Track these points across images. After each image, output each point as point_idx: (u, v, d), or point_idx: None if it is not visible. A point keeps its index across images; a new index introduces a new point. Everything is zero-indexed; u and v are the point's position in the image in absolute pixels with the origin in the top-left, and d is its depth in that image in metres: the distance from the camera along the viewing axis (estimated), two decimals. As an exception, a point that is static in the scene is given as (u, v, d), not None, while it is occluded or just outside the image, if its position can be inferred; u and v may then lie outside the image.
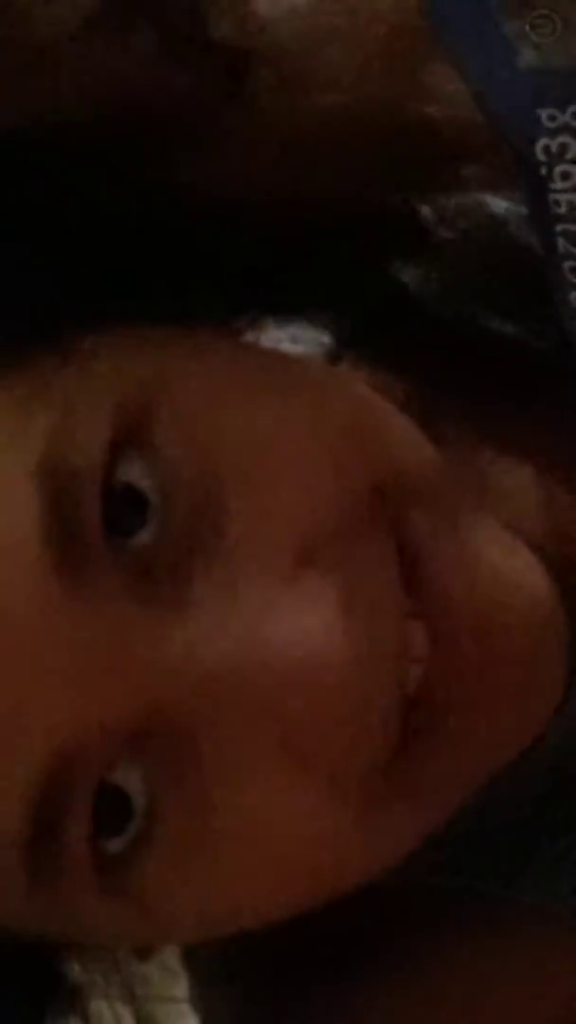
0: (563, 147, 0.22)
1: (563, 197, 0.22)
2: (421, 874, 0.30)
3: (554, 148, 0.22)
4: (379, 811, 0.26)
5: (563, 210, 0.22)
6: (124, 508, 0.24)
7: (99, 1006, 0.31)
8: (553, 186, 0.22)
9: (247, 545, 0.24)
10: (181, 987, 0.35)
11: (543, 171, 0.22)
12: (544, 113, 0.21)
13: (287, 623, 0.23)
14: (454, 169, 0.27)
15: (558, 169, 0.22)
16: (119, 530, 0.24)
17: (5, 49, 0.24)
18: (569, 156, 0.22)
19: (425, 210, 0.30)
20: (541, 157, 0.22)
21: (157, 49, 0.25)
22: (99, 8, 0.24)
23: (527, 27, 0.21)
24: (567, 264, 0.23)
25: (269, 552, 0.24)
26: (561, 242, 0.23)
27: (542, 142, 0.22)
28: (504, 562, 0.26)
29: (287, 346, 0.33)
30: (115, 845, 0.24)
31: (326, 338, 0.33)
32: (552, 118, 0.21)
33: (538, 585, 0.26)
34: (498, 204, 0.28)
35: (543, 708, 0.27)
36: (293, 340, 0.33)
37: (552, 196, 0.22)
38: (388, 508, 0.25)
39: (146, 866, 0.24)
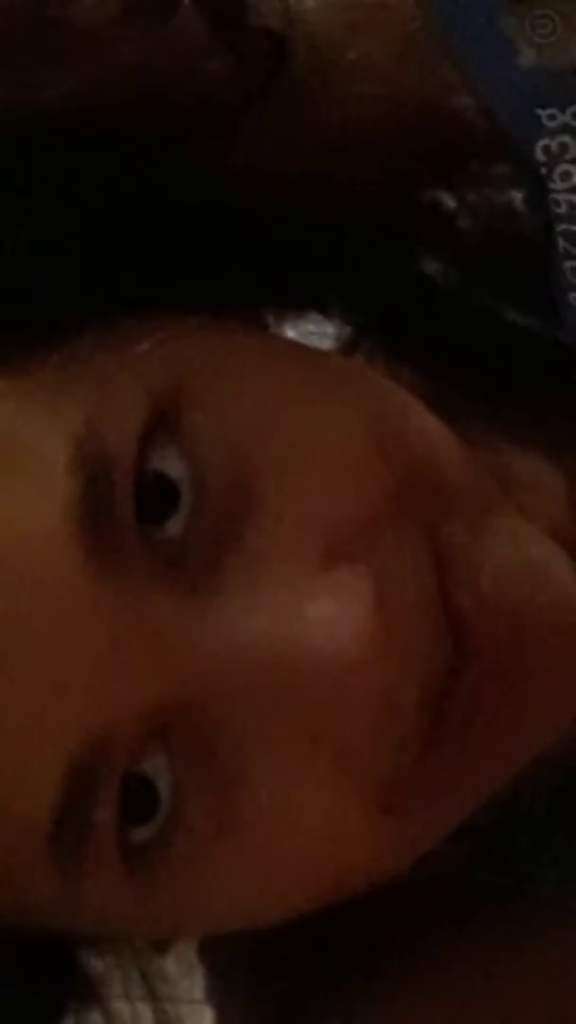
0: (563, 147, 0.22)
1: (563, 197, 0.22)
2: (440, 868, 0.30)
3: (554, 148, 0.22)
4: (405, 807, 0.26)
5: (563, 210, 0.23)
6: (156, 496, 0.24)
7: (119, 1003, 0.32)
8: (553, 186, 0.22)
9: (278, 534, 0.24)
10: (198, 985, 0.36)
11: (543, 171, 0.22)
12: (544, 113, 0.21)
13: (319, 615, 0.23)
14: (483, 163, 0.27)
15: (558, 170, 0.22)
16: (151, 518, 0.23)
17: (47, 31, 0.25)
18: (569, 156, 0.22)
19: (450, 202, 0.30)
20: (541, 157, 0.22)
21: (197, 33, 0.25)
22: None
23: (527, 26, 0.21)
24: (568, 264, 0.23)
25: (300, 542, 0.24)
26: (561, 242, 0.23)
27: (542, 142, 0.22)
28: (533, 559, 0.26)
29: (307, 338, 0.34)
30: (141, 834, 0.23)
31: (341, 330, 0.34)
32: (552, 118, 0.22)
33: (566, 580, 0.26)
34: (521, 200, 0.28)
35: (572, 704, 0.27)
36: (308, 333, 0.34)
37: (552, 196, 0.22)
38: (420, 507, 0.25)
39: (171, 856, 0.24)
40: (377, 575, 0.23)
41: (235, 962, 0.34)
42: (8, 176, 0.24)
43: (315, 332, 0.32)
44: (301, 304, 0.30)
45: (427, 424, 0.26)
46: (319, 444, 0.24)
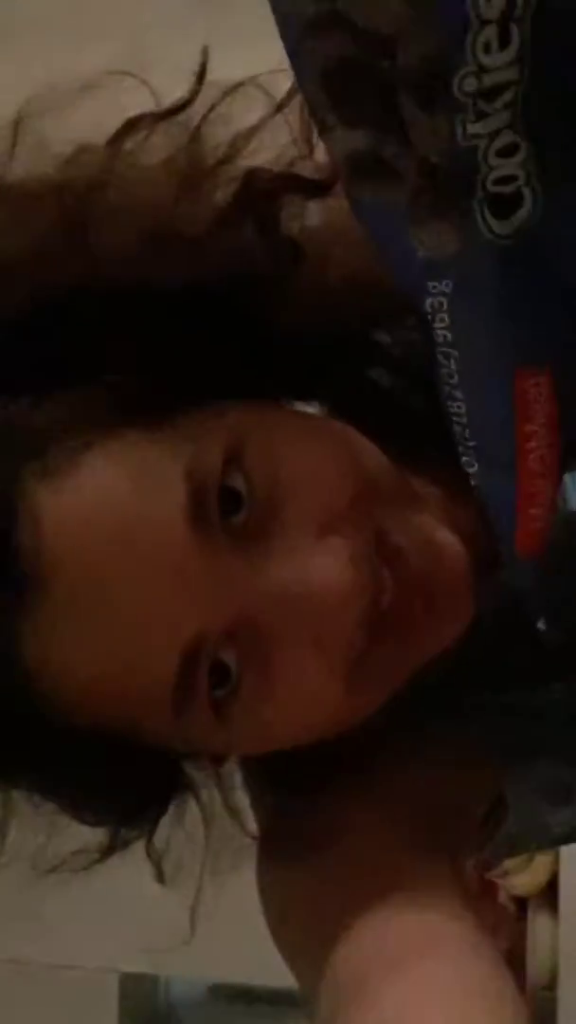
0: (440, 303, 0.28)
1: (440, 334, 0.28)
2: (375, 723, 0.39)
3: (436, 304, 0.28)
4: (363, 682, 0.37)
5: (440, 340, 0.28)
6: (228, 501, 0.35)
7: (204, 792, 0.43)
8: (435, 326, 0.28)
9: (293, 522, 0.36)
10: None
11: (429, 318, 0.28)
12: (430, 284, 0.27)
13: (318, 564, 0.35)
14: (403, 314, 0.36)
15: (438, 317, 0.28)
16: (226, 513, 0.35)
17: (163, 238, 0.35)
18: (444, 308, 0.28)
19: (386, 337, 0.42)
20: (428, 310, 0.28)
21: (255, 236, 0.36)
22: (226, 208, 0.35)
23: (422, 234, 0.26)
24: (444, 370, 0.30)
25: (305, 526, 0.36)
26: (441, 359, 0.29)
27: (428, 300, 0.28)
28: (437, 535, 0.37)
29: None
30: (219, 693, 0.35)
31: (321, 408, 0.44)
32: (435, 287, 0.27)
33: (457, 547, 0.37)
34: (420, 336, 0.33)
35: (460, 621, 0.38)
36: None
37: (435, 332, 0.28)
38: (369, 507, 0.36)
39: (233, 707, 0.35)
40: (349, 545, 0.34)
41: (259, 770, 0.45)
42: (148, 321, 0.35)
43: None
44: (301, 396, 0.41)
45: (375, 460, 0.38)
46: (316, 470, 0.36)
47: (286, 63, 0.26)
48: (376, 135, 0.25)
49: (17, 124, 0.35)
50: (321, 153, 0.36)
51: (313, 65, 0.24)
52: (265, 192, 0.36)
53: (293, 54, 0.24)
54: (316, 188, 0.37)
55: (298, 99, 0.34)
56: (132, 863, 0.42)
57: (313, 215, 0.37)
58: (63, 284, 0.34)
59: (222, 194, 0.35)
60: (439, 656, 0.38)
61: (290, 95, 0.35)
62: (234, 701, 0.35)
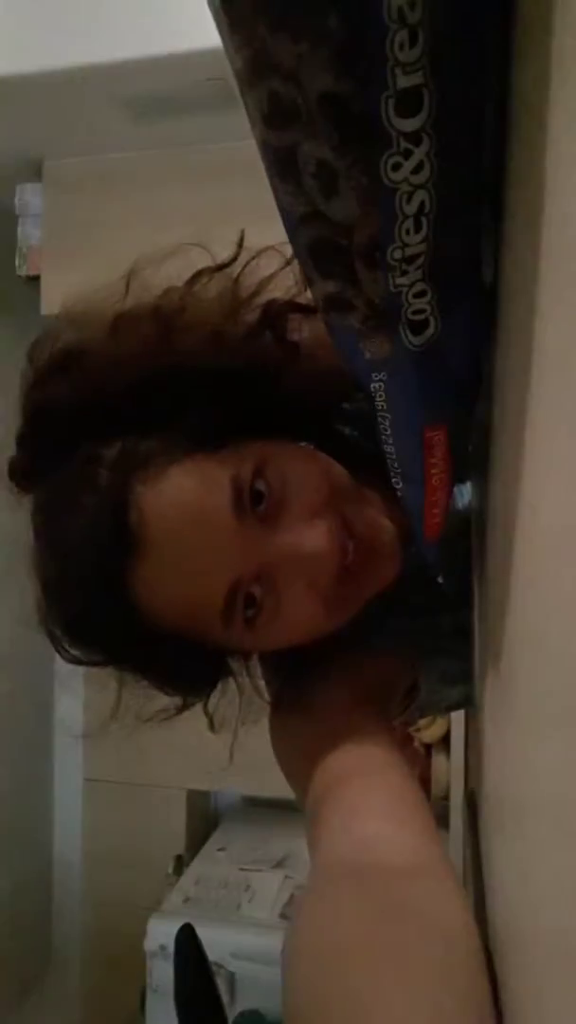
0: (379, 386, 0.28)
1: (379, 403, 0.28)
2: (345, 632, 0.41)
3: (376, 387, 0.28)
4: (335, 607, 0.39)
5: (379, 408, 0.29)
6: (256, 497, 0.37)
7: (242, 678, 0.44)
8: (376, 400, 0.29)
9: (295, 511, 0.37)
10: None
11: (373, 394, 0.28)
12: (374, 374, 0.27)
13: (308, 538, 0.37)
14: (357, 391, 0.36)
15: (378, 394, 0.28)
16: (255, 505, 0.37)
17: (217, 342, 0.38)
18: (381, 390, 0.28)
19: (348, 406, 0.43)
20: (372, 390, 0.28)
21: (271, 341, 0.39)
22: (254, 324, 0.38)
23: (368, 350, 0.26)
24: (381, 427, 0.30)
25: (302, 514, 0.37)
26: (380, 420, 0.29)
27: (372, 384, 0.28)
28: (378, 522, 0.39)
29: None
30: (250, 613, 0.37)
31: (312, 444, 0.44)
32: (376, 377, 0.27)
33: (391, 529, 0.39)
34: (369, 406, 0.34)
35: (391, 572, 0.40)
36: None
37: (376, 403, 0.29)
38: (338, 504, 0.38)
39: (258, 622, 0.37)
40: (327, 524, 0.36)
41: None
42: (210, 390, 0.37)
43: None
44: (299, 438, 0.41)
45: (341, 478, 0.39)
46: (305, 482, 0.38)
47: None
48: (340, 284, 0.25)
49: (129, 275, 0.38)
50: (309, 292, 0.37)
51: (303, 241, 0.24)
52: (277, 314, 0.38)
53: (291, 234, 0.25)
54: (307, 311, 0.38)
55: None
56: (194, 718, 0.44)
57: (306, 329, 0.39)
58: (159, 368, 0.36)
59: (252, 316, 0.38)
60: (378, 595, 0.40)
61: (292, 257, 0.36)
62: (258, 617, 0.37)
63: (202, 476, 0.35)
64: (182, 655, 0.38)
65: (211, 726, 0.43)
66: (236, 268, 0.39)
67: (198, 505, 0.35)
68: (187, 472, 0.35)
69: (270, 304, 0.38)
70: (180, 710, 0.42)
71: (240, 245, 0.39)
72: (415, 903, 0.25)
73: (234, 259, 0.39)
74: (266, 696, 0.44)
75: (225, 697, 0.43)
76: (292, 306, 0.39)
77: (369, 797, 0.31)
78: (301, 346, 0.39)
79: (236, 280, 0.39)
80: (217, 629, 0.37)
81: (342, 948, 0.23)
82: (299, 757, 0.37)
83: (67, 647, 0.38)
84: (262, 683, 0.44)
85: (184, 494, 0.35)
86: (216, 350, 0.37)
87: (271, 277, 0.39)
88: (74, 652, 0.38)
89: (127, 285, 0.38)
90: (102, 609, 0.36)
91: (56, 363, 0.37)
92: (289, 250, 0.36)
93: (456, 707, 0.54)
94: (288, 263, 0.38)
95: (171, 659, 0.39)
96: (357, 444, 0.44)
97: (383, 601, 0.41)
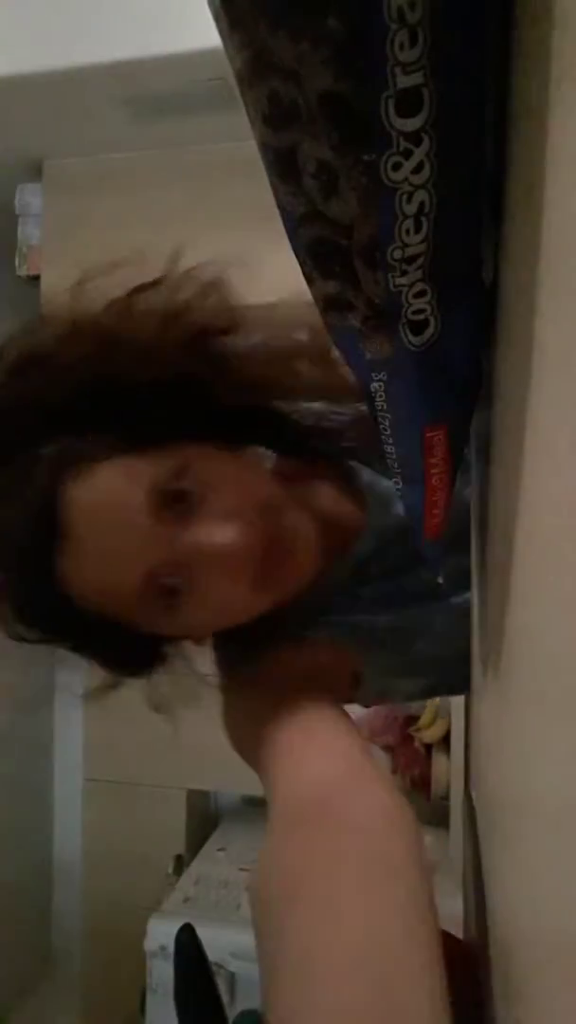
0: (379, 387, 0.27)
1: (379, 403, 0.28)
2: (276, 620, 0.44)
3: (376, 387, 0.27)
4: (259, 590, 0.41)
5: (379, 408, 0.28)
6: (177, 496, 0.39)
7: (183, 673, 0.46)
8: (376, 400, 0.27)
9: (212, 510, 0.40)
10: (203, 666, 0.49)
11: (372, 395, 0.27)
12: (374, 375, 0.26)
13: (217, 535, 0.39)
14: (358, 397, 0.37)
15: (378, 394, 0.27)
16: (175, 503, 0.39)
17: (151, 352, 0.40)
18: (381, 391, 0.27)
19: (317, 404, 0.45)
20: (372, 390, 0.27)
21: (200, 353, 0.41)
22: (186, 336, 0.40)
23: (366, 341, 0.25)
24: (381, 427, 0.29)
25: (219, 512, 0.40)
26: (380, 419, 0.28)
27: (372, 384, 0.27)
28: (300, 523, 0.41)
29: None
30: (169, 601, 0.39)
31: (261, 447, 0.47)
32: (376, 377, 0.27)
33: (311, 530, 0.41)
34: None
35: (309, 566, 0.42)
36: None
37: (376, 403, 0.28)
38: (266, 504, 0.40)
39: (179, 609, 0.39)
40: (238, 523, 0.39)
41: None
42: (142, 396, 0.39)
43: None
44: (236, 442, 0.43)
45: (265, 485, 0.42)
46: (227, 484, 0.40)
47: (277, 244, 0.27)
48: (340, 284, 0.24)
49: (80, 283, 0.41)
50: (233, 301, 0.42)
51: (303, 241, 0.24)
52: (201, 332, 0.41)
53: (291, 234, 0.24)
54: (226, 332, 0.42)
55: (223, 277, 0.40)
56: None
57: (240, 340, 0.42)
58: (98, 377, 0.40)
59: (181, 332, 0.41)
60: (314, 590, 0.44)
61: (219, 280, 0.41)
62: (180, 605, 0.40)
63: (126, 474, 0.38)
64: (111, 636, 0.41)
65: (156, 709, 0.46)
66: (169, 284, 0.41)
67: (118, 500, 0.38)
68: (113, 470, 0.38)
69: (193, 324, 0.41)
70: (110, 688, 0.45)
71: (174, 262, 0.41)
72: (352, 819, 0.30)
73: (163, 279, 0.41)
74: (208, 681, 0.47)
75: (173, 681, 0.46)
76: (215, 328, 0.41)
77: (312, 753, 0.35)
78: (232, 358, 0.41)
79: (169, 297, 0.41)
80: (137, 614, 0.40)
81: (297, 872, 0.28)
82: (245, 732, 0.41)
83: (10, 623, 0.42)
84: (202, 669, 0.47)
85: (107, 490, 0.38)
86: (147, 363, 0.39)
87: (202, 294, 0.41)
88: (17, 628, 0.42)
89: (77, 294, 0.41)
90: (35, 592, 0.39)
91: (11, 367, 0.40)
92: (219, 268, 0.41)
93: (420, 696, 0.58)
94: (217, 284, 0.41)
95: (101, 639, 0.42)
96: (301, 443, 0.47)
97: (321, 596, 0.45)
